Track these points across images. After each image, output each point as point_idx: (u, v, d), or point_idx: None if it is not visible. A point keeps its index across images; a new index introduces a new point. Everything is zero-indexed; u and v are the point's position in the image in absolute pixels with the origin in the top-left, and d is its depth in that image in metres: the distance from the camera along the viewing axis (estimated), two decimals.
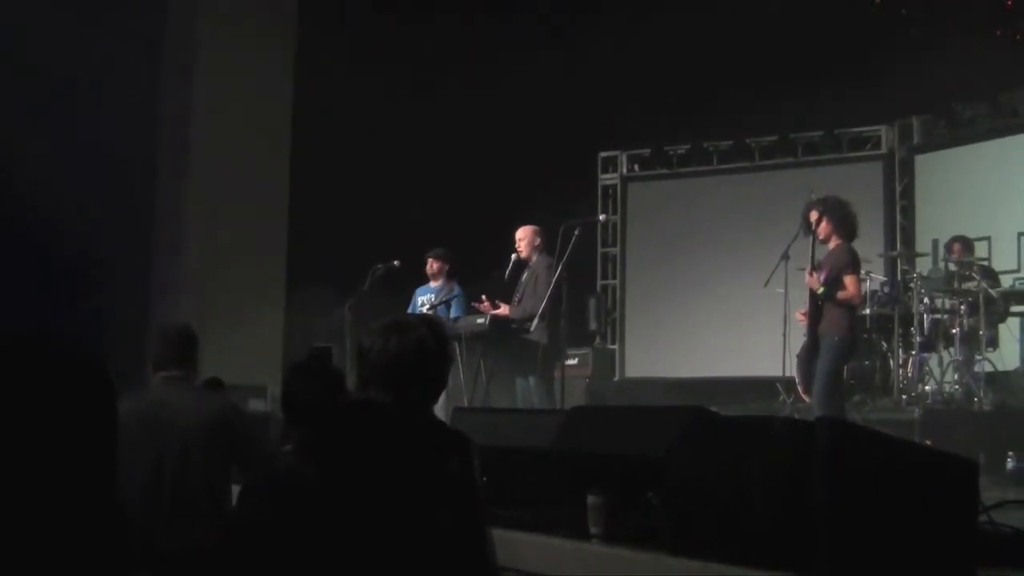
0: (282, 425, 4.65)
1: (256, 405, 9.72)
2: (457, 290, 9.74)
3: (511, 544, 4.21)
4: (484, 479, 4.68)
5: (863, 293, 9.49)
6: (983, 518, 3.73)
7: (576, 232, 8.82)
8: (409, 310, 9.71)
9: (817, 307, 7.83)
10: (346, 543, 2.72)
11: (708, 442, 3.80)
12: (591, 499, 4.07)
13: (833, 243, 7.92)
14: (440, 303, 9.62)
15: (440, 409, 7.78)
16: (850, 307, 7.86)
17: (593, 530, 4.05)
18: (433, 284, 9.99)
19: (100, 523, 1.62)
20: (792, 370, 8.56)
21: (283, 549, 2.74)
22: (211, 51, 11.80)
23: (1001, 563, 3.58)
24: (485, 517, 2.94)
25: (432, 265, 9.99)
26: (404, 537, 2.72)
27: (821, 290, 7.71)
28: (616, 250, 14.34)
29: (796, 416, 8.30)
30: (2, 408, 1.57)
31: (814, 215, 7.94)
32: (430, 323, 3.26)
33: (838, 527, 3.24)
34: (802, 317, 8.14)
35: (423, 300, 9.88)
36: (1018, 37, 11.65)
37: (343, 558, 2.71)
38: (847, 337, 7.72)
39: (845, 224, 7.91)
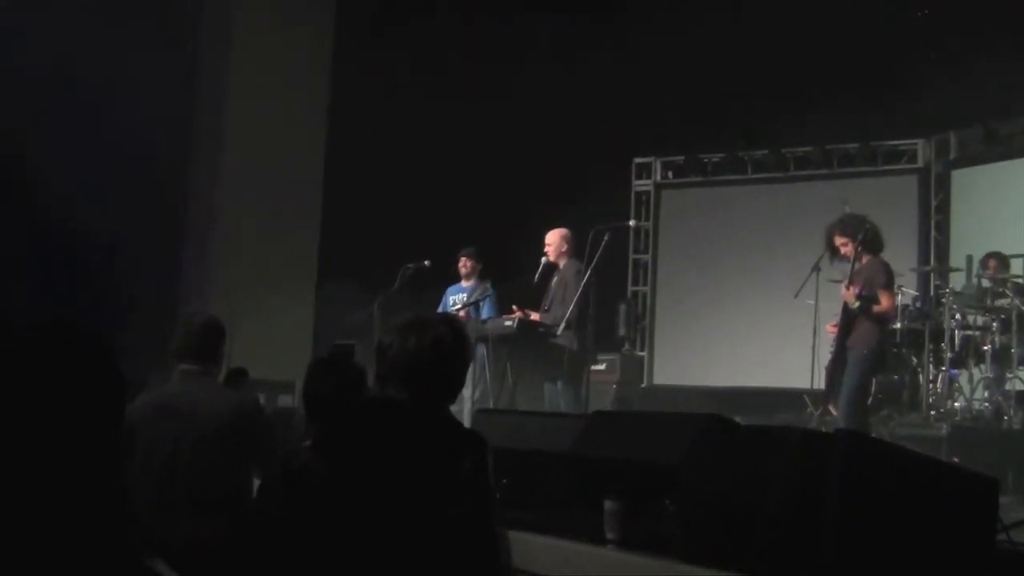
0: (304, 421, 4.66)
1: (284, 401, 9.79)
2: (490, 290, 9.74)
3: (526, 546, 4.22)
4: (504, 481, 4.71)
5: (895, 307, 9.45)
6: (1002, 536, 3.69)
7: (606, 237, 8.83)
8: (440, 309, 9.73)
9: (848, 320, 7.79)
10: (358, 538, 2.73)
11: (724, 450, 3.78)
12: (608, 504, 4.06)
13: (865, 258, 7.90)
14: (472, 302, 9.63)
15: (468, 412, 7.84)
16: (882, 321, 7.84)
17: (609, 535, 4.04)
18: (465, 284, 10.01)
19: (101, 514, 1.62)
20: (820, 382, 8.52)
21: (297, 543, 2.75)
22: (246, 49, 11.89)
23: None
24: (497, 517, 2.94)
25: (465, 264, 10.01)
26: (414, 533, 2.73)
27: (856, 304, 7.67)
28: (648, 256, 14.30)
29: (823, 429, 8.25)
30: (5, 398, 1.58)
31: (839, 240, 7.94)
32: (450, 322, 3.27)
33: (852, 540, 3.22)
34: (833, 329, 8.11)
35: (454, 300, 9.89)
36: None
37: (354, 553, 2.72)
38: (876, 351, 7.68)
39: (871, 240, 7.90)
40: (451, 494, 2.81)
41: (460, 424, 3.14)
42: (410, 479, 2.80)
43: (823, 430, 7.89)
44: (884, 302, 7.70)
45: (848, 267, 7.98)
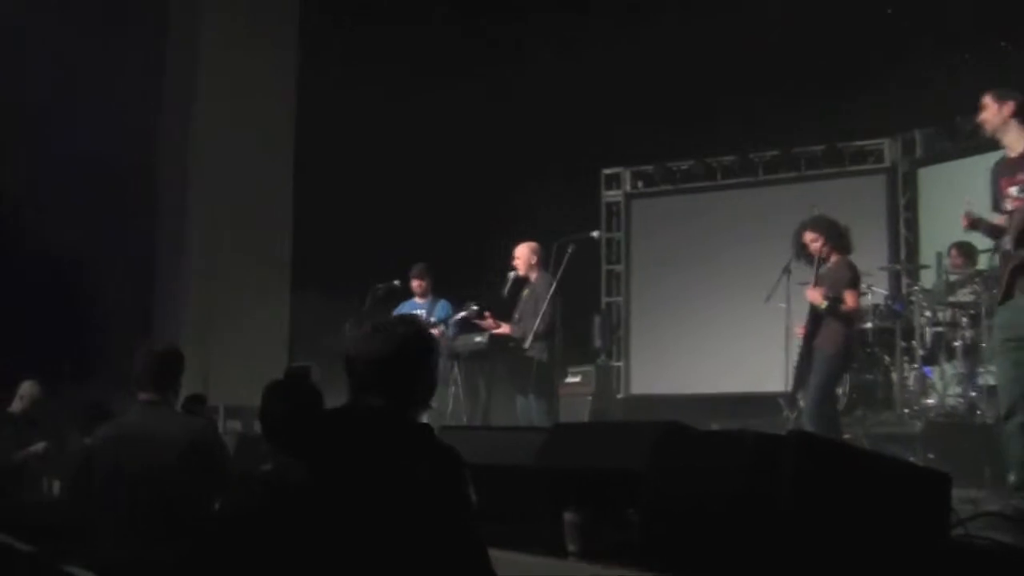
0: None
1: (260, 427, 9.72)
2: (442, 303, 9.75)
3: (491, 562, 4.20)
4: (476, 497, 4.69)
5: (865, 307, 9.46)
6: (959, 530, 3.70)
7: (569, 249, 8.83)
8: None
9: (816, 321, 7.79)
10: (331, 545, 2.70)
11: (682, 457, 3.78)
12: (568, 516, 4.06)
13: (833, 259, 7.91)
14: (439, 322, 9.60)
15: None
16: (849, 321, 7.82)
17: (570, 547, 4.04)
18: (420, 300, 9.98)
19: None
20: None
21: (270, 555, 2.72)
22: (213, 60, 11.89)
23: (976, 574, 3.56)
24: (475, 533, 2.90)
25: (416, 284, 9.99)
26: (374, 543, 2.70)
27: (824, 305, 7.67)
28: (621, 267, 14.32)
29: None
30: None
31: (808, 237, 7.93)
32: (410, 323, 3.25)
33: (806, 541, 3.22)
34: (802, 331, 8.09)
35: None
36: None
37: (329, 562, 2.69)
38: (842, 351, 7.66)
39: (840, 239, 7.89)
40: (414, 503, 2.76)
41: (432, 435, 3.08)
42: (379, 485, 2.76)
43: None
44: (849, 302, 7.70)
45: (813, 267, 7.99)
